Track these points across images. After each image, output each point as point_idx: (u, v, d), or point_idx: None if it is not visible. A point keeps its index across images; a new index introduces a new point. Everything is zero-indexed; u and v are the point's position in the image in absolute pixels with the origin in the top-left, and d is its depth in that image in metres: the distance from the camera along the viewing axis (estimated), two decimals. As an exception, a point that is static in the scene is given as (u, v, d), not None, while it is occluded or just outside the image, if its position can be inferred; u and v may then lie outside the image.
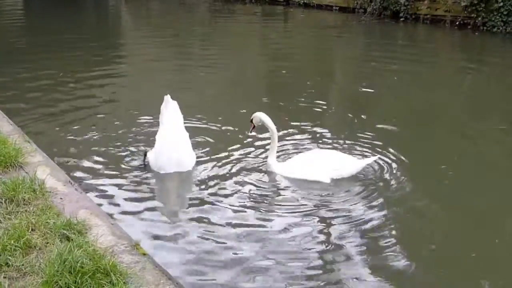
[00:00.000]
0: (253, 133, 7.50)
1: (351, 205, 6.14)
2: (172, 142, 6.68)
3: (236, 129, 8.35)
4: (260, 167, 7.03)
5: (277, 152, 7.11)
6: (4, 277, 3.58)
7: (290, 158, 7.17)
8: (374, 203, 6.16)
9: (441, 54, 15.47)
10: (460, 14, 17.66)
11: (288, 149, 7.72)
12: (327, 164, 6.76)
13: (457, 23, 17.73)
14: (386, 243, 5.43)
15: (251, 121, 7.14)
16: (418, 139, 8.34)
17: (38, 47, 15.09)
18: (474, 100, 10.91)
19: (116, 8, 25.94)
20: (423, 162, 7.46)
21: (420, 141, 8.25)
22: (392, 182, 6.74)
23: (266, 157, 7.06)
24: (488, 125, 9.04)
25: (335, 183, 6.66)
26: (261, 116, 7.00)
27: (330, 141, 8.03)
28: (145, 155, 6.95)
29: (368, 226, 5.71)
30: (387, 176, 6.87)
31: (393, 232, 5.64)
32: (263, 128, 7.27)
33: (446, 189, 6.74)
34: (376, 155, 7.12)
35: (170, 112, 6.73)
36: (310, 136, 8.22)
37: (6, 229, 4.06)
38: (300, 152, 7.38)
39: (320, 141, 8.00)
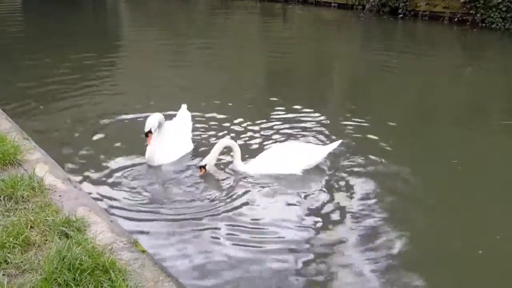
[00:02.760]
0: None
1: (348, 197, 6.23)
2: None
3: (236, 121, 8.45)
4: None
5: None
6: (3, 274, 3.57)
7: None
8: (360, 195, 6.28)
9: (440, 51, 15.46)
10: (459, 10, 17.67)
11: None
12: (295, 156, 6.86)
13: (456, 19, 17.75)
14: (378, 233, 5.50)
15: (203, 167, 6.68)
16: (417, 135, 8.34)
17: (37, 44, 15.09)
18: (473, 96, 10.92)
19: (114, 6, 25.91)
20: (423, 157, 7.46)
21: (420, 137, 8.25)
22: (389, 175, 6.77)
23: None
24: (489, 121, 9.06)
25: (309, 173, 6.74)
26: (226, 144, 6.86)
27: (328, 137, 8.02)
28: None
29: (356, 215, 5.82)
30: (383, 169, 6.92)
31: (382, 219, 5.75)
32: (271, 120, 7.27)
33: (448, 183, 6.75)
34: (339, 140, 7.20)
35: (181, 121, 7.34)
36: (306, 132, 8.22)
37: (5, 226, 4.05)
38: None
39: (316, 138, 7.99)
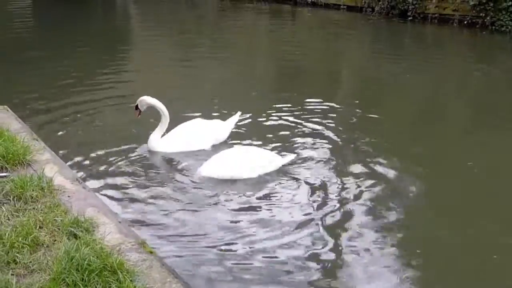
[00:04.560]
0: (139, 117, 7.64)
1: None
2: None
3: (246, 122, 8.47)
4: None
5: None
6: (12, 274, 3.59)
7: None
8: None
9: (449, 53, 15.40)
10: (469, 13, 17.58)
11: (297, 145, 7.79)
12: (204, 132, 7.39)
13: (465, 22, 17.66)
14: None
15: (136, 107, 7.42)
16: (428, 137, 8.32)
17: (46, 44, 15.16)
18: (484, 98, 10.88)
19: (124, 7, 26.00)
20: (436, 160, 7.46)
21: (431, 139, 8.23)
22: (402, 176, 6.78)
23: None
24: (500, 123, 8.99)
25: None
26: (147, 100, 7.31)
27: (334, 139, 8.03)
28: None
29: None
30: (395, 170, 6.91)
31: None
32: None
33: (465, 185, 6.75)
34: (238, 112, 7.54)
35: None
36: (314, 133, 8.24)
37: (14, 226, 4.08)
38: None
39: (325, 140, 7.99)
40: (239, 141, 7.78)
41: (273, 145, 7.69)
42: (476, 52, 15.99)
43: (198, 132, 7.43)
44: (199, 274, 4.82)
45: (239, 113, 7.56)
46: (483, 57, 14.93)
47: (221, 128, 7.61)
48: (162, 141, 7.38)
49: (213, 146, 7.43)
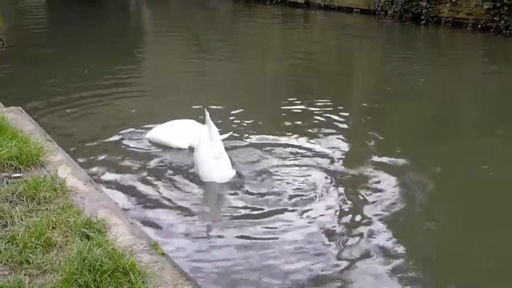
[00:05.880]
0: None
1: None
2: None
3: (259, 128, 8.47)
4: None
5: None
6: (25, 274, 3.60)
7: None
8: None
9: (463, 57, 15.31)
10: (483, 17, 17.47)
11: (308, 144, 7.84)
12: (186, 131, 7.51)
13: (479, 26, 17.54)
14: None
15: None
16: (443, 141, 8.27)
17: (60, 44, 15.28)
18: (498, 102, 10.78)
19: (137, 7, 26.16)
20: (451, 163, 7.42)
21: (445, 143, 8.19)
22: (417, 180, 6.76)
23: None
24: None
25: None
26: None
27: (345, 140, 8.02)
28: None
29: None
30: (410, 173, 6.91)
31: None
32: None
33: (482, 189, 6.71)
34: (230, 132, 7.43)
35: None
36: (325, 134, 8.25)
37: (27, 226, 4.09)
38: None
39: (335, 141, 7.99)
40: (247, 135, 8.01)
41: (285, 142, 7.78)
42: (491, 56, 15.86)
43: (179, 131, 7.58)
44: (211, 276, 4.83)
45: (230, 133, 7.43)
46: (497, 61, 14.80)
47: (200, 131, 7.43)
48: (154, 129, 7.74)
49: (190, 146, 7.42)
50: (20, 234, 3.95)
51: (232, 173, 6.65)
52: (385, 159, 7.31)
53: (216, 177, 6.53)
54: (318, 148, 7.78)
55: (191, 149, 7.17)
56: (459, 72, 13.12)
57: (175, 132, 7.61)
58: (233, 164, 6.89)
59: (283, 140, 8.02)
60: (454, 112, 9.90)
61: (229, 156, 6.89)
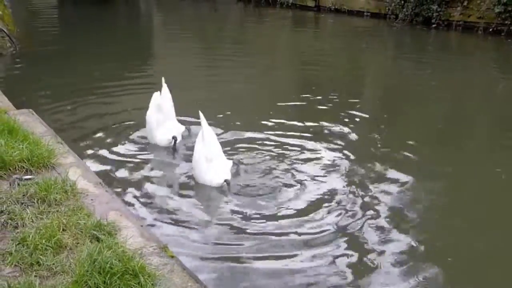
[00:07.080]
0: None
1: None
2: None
3: (272, 130, 8.49)
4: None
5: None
6: (35, 276, 3.63)
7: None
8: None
9: (474, 61, 15.26)
10: (494, 21, 17.37)
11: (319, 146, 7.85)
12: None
13: (490, 29, 17.44)
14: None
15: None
16: (454, 145, 8.26)
17: (71, 48, 15.35)
18: (509, 107, 10.74)
19: (148, 12, 26.26)
20: (463, 166, 7.41)
21: (457, 147, 8.19)
22: (423, 185, 6.72)
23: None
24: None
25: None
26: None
27: (356, 143, 8.01)
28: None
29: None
30: (421, 177, 6.88)
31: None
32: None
33: (495, 192, 6.70)
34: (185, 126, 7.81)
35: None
36: (334, 142, 8.19)
37: (38, 228, 4.12)
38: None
39: (345, 144, 7.98)
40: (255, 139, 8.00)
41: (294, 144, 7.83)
42: (502, 59, 15.78)
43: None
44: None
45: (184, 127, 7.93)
46: (508, 65, 14.75)
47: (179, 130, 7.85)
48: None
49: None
50: (31, 236, 3.98)
51: (221, 179, 6.50)
52: (395, 160, 7.32)
53: (207, 180, 6.50)
54: (328, 148, 7.82)
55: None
56: (470, 76, 13.06)
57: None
58: (236, 164, 6.91)
59: (293, 141, 8.07)
60: (466, 115, 9.87)
61: (232, 158, 6.91)
